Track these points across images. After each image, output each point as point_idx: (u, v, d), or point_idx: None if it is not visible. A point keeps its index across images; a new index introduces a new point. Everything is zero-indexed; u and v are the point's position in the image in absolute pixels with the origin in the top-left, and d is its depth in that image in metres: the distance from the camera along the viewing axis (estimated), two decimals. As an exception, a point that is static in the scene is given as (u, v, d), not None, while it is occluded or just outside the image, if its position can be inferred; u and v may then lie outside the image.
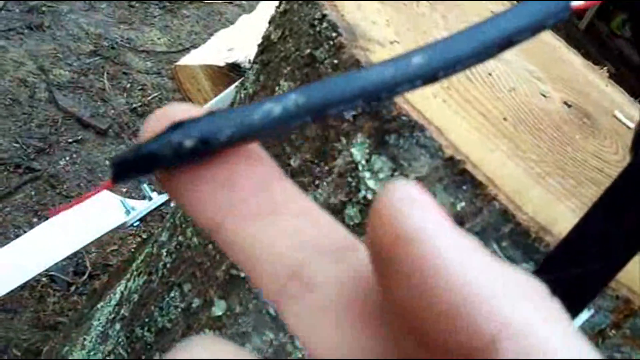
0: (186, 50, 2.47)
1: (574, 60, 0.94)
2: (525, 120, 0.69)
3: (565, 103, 0.79)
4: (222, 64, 2.02)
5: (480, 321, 0.17)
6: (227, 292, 0.73)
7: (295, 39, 0.64)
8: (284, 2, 0.72)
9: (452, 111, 0.60)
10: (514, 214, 0.55)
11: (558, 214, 0.58)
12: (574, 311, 0.51)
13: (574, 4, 0.21)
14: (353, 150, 0.58)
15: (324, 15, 0.61)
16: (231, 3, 2.93)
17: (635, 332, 0.60)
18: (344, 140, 0.58)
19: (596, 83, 0.92)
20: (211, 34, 2.48)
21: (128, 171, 0.21)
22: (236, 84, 1.30)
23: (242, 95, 0.74)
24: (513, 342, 0.17)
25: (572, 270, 0.49)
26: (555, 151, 0.67)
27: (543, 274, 0.51)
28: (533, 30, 0.21)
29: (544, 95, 0.77)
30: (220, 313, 0.74)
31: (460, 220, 0.56)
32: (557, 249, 0.51)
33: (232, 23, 2.48)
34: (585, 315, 0.53)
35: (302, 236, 0.21)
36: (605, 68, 1.04)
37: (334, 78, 0.20)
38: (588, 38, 4.06)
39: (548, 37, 0.95)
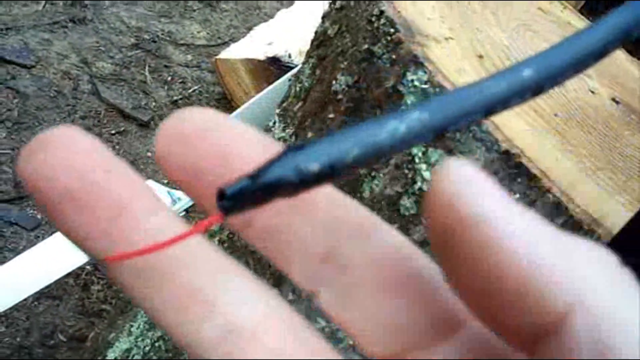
0: (225, 44, 2.50)
1: (621, 57, 0.95)
2: (575, 116, 0.70)
3: (613, 99, 0.80)
4: (262, 57, 2.04)
5: (552, 297, 0.17)
6: (279, 280, 0.75)
7: (353, 34, 0.66)
8: (339, -2, 0.74)
9: (505, 106, 0.62)
10: (567, 206, 0.57)
11: (609, 207, 0.59)
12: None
13: None
14: (410, 143, 0.59)
15: (382, 12, 0.63)
16: (269, -3, 2.96)
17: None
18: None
19: (642, 80, 0.93)
20: (250, 28, 2.50)
21: (245, 202, 0.19)
22: (286, 77, 1.32)
23: (297, 89, 0.76)
24: (585, 317, 0.16)
25: (628, 258, 0.50)
26: (604, 147, 0.69)
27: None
28: (625, 38, 0.21)
29: (593, 92, 0.78)
30: (272, 300, 0.76)
31: (514, 212, 0.57)
32: (615, 238, 0.53)
33: (270, 17, 2.50)
34: None
35: (330, 221, 0.21)
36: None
37: (452, 94, 0.19)
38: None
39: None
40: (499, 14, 0.79)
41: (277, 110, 0.81)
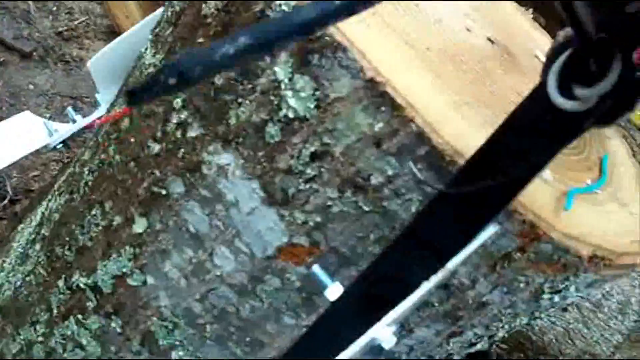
0: (116, -25, 2.40)
1: (506, 4, 0.96)
2: (448, 52, 0.70)
3: (489, 39, 0.81)
4: (152, -10, 1.98)
5: None
6: (148, 209, 0.73)
7: (224, -44, 0.64)
8: None
9: (375, 36, 0.61)
10: (430, 137, 0.57)
11: (473, 140, 0.60)
12: (480, 224, 0.53)
13: None
14: (276, 68, 0.58)
15: None
16: None
17: (539, 257, 0.63)
18: (267, 59, 0.59)
19: (524, 26, 0.94)
20: (143, -39, 2.42)
21: (147, 97, 0.25)
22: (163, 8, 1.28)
23: (170, 14, 0.73)
24: None
25: (479, 183, 0.51)
26: (475, 83, 0.69)
27: (454, 188, 0.54)
28: None
29: (469, 30, 0.79)
30: (140, 230, 0.74)
31: (377, 141, 0.57)
32: (467, 164, 0.53)
33: (165, -50, 2.42)
34: (491, 229, 0.56)
35: None
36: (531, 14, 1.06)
37: (275, 20, 0.24)
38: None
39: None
40: None
41: (150, 37, 0.78)
